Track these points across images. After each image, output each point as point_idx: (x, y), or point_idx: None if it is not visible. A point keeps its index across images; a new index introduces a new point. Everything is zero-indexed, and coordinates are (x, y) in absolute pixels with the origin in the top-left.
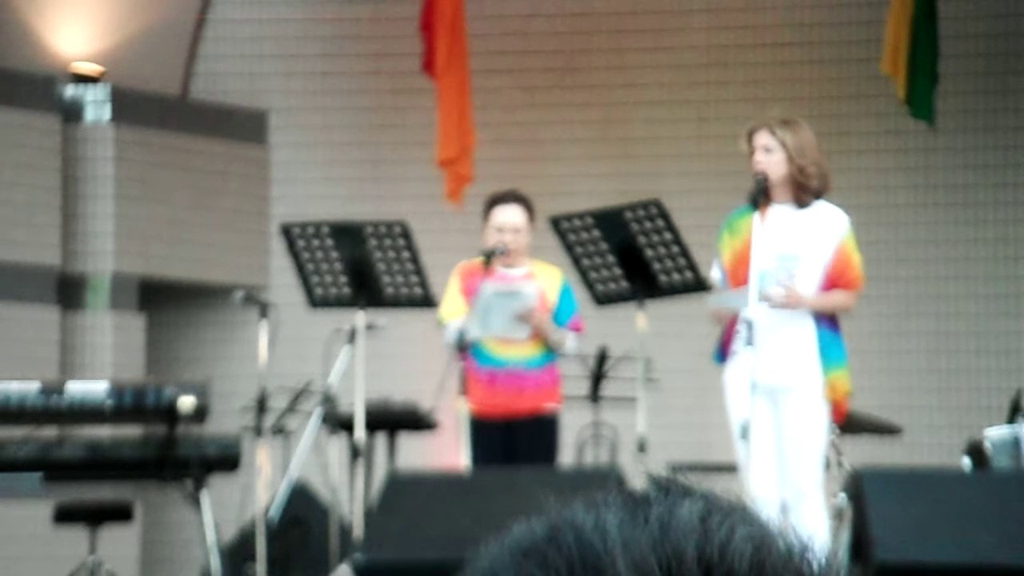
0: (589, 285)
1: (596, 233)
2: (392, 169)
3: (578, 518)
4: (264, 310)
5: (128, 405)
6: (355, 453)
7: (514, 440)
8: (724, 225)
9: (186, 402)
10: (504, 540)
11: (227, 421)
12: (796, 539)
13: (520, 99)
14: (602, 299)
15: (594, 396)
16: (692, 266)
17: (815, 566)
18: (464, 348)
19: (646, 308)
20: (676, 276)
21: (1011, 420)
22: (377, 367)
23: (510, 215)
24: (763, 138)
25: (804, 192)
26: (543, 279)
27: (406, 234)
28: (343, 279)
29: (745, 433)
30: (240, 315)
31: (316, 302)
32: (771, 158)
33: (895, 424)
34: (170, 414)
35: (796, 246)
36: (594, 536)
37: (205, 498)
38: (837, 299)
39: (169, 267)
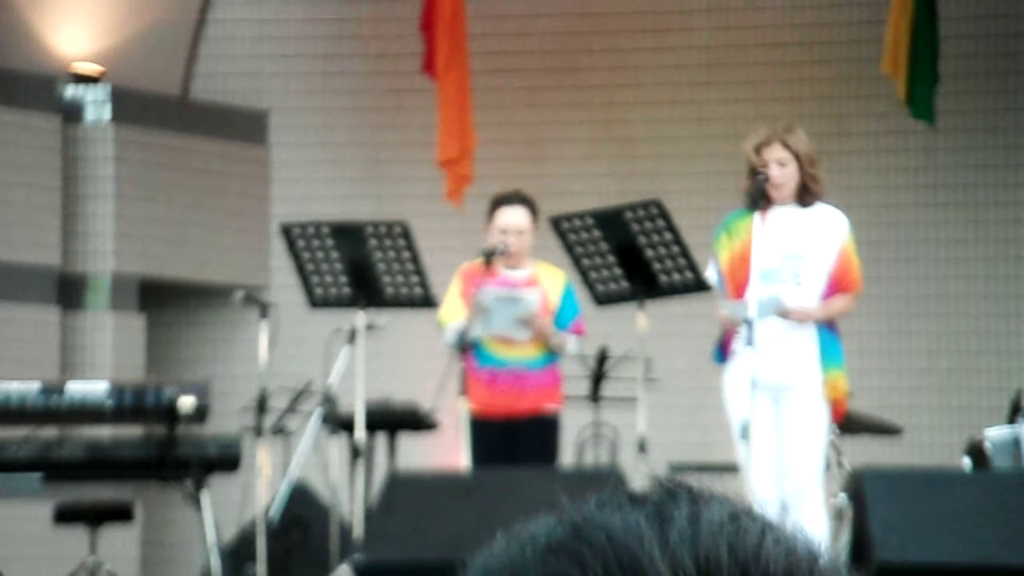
0: (589, 285)
1: (596, 233)
2: (392, 169)
3: (603, 517)
4: (264, 310)
5: (128, 405)
6: (355, 453)
7: (514, 440)
8: (721, 227)
9: (186, 402)
10: (517, 538)
11: (227, 421)
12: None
13: (520, 99)
14: (602, 299)
15: (594, 396)
16: (692, 266)
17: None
18: (464, 349)
19: (646, 308)
20: (676, 276)
21: (1011, 420)
22: (377, 367)
23: (514, 216)
24: (776, 151)
25: (808, 195)
26: (546, 281)
27: (406, 234)
28: (343, 279)
29: (745, 433)
30: (240, 315)
31: (316, 302)
32: (786, 170)
33: (895, 424)
34: (170, 414)
35: (800, 246)
36: (628, 536)
37: (205, 498)
38: (839, 305)
39: (169, 267)
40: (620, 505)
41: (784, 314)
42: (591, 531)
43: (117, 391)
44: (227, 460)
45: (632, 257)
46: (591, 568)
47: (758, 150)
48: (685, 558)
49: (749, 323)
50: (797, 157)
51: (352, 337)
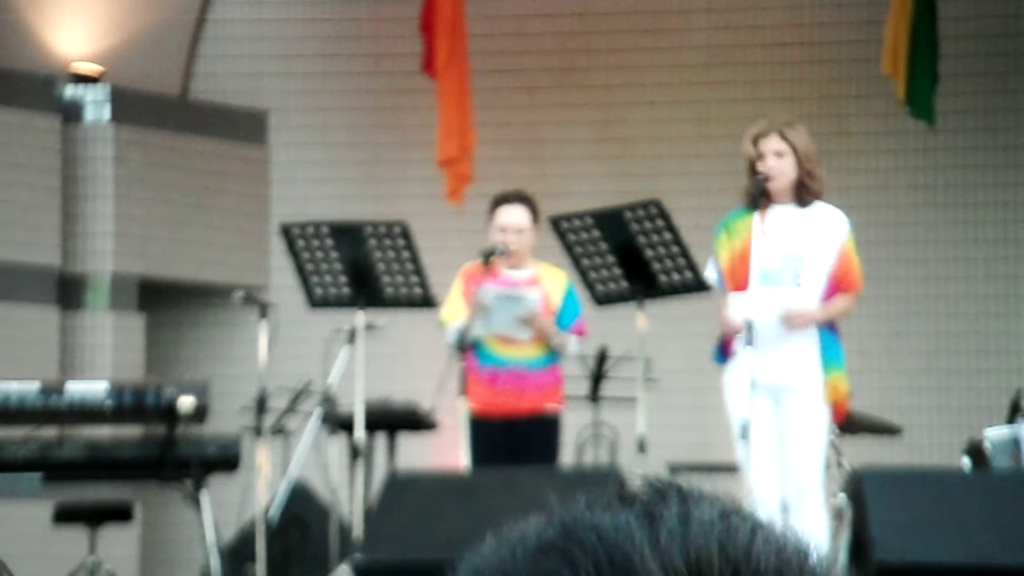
0: (589, 285)
1: (596, 233)
2: (392, 169)
3: (593, 517)
4: (264, 310)
5: (128, 405)
6: (355, 453)
7: (515, 440)
8: (721, 226)
9: (186, 402)
10: (507, 539)
11: (227, 421)
12: (805, 544)
13: (520, 99)
14: (602, 299)
15: (594, 396)
16: (692, 266)
17: (825, 571)
18: (465, 348)
19: (646, 308)
20: (676, 276)
21: (1011, 420)
22: (377, 367)
23: (513, 215)
24: (774, 143)
25: (807, 193)
26: (548, 281)
27: (406, 234)
28: (343, 279)
29: (745, 433)
30: (240, 315)
31: (316, 302)
32: (783, 162)
33: (895, 424)
34: (170, 414)
35: (800, 246)
36: (618, 536)
37: (205, 498)
38: (840, 306)
39: (169, 267)
40: (610, 505)
41: (787, 322)
42: (582, 531)
43: (117, 391)
44: (227, 460)
45: (632, 257)
46: (583, 568)
47: (756, 141)
48: (676, 557)
49: (749, 324)
50: (795, 150)
51: (352, 337)
